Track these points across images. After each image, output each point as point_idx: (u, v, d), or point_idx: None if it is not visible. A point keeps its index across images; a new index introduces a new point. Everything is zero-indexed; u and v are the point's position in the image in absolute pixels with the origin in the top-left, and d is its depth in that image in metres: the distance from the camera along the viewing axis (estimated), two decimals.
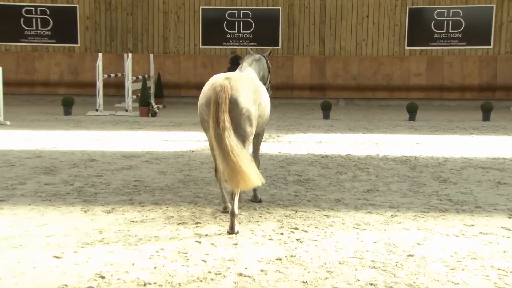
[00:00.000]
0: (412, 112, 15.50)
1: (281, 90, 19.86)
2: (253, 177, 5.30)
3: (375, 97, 20.36)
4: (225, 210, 6.23)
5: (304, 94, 20.42)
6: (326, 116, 15.75)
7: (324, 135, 12.64)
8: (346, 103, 20.35)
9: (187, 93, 20.62)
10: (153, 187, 7.47)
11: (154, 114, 15.90)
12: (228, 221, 5.75)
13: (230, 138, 5.33)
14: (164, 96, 19.51)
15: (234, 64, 6.77)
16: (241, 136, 5.63)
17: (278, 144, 11.21)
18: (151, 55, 19.39)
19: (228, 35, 20.69)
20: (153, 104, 16.14)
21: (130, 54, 16.92)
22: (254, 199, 6.78)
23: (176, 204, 6.57)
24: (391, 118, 16.11)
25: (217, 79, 5.80)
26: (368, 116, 16.68)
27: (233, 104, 5.60)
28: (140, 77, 17.57)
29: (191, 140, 11.66)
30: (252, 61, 6.90)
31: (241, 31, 20.63)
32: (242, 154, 5.32)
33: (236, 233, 5.51)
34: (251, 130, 5.81)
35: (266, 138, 11.71)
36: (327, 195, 7.12)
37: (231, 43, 20.71)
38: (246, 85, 5.84)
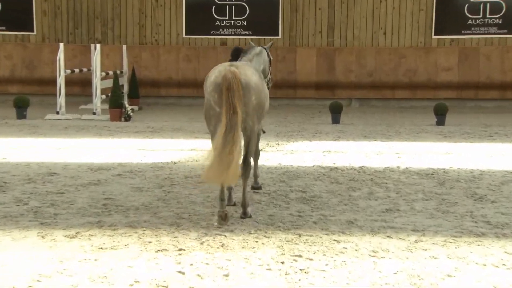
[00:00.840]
0: (440, 115, 15.53)
1: (281, 89, 19.89)
2: (233, 177, 6.46)
3: (395, 97, 20.40)
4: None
5: (309, 94, 20.45)
6: (335, 120, 15.78)
7: (334, 143, 12.65)
8: (360, 104, 20.39)
9: (168, 92, 20.64)
10: (126, 206, 7.46)
11: (127, 118, 15.89)
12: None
13: (240, 130, 6.52)
14: (140, 96, 19.50)
15: (236, 57, 7.71)
16: (249, 127, 6.86)
17: (278, 154, 11.21)
18: (124, 46, 19.40)
19: (217, 22, 20.73)
20: (127, 105, 16.14)
21: (98, 45, 16.93)
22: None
23: (154, 227, 6.56)
24: (415, 122, 16.14)
25: (223, 67, 6.87)
26: (387, 120, 16.70)
27: (244, 91, 6.67)
28: (111, 73, 17.58)
29: (172, 149, 11.66)
30: (253, 56, 7.90)
31: (233, 18, 20.68)
32: (239, 151, 6.47)
33: (250, 217, 6.88)
34: (258, 120, 7.03)
35: (263, 147, 11.72)
36: (337, 215, 7.12)
37: (221, 32, 20.75)
38: (254, 73, 7.02)
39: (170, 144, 12.35)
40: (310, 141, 12.90)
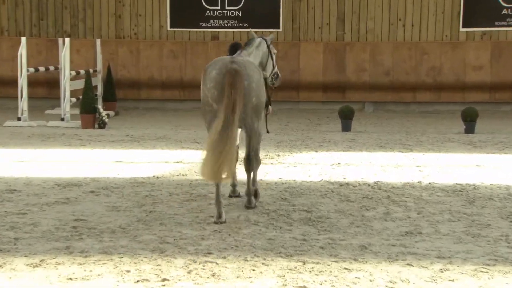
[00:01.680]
0: (470, 121, 15.54)
1: (282, 91, 19.81)
2: (225, 175, 7.45)
3: (417, 100, 20.42)
4: (218, 220, 7.71)
5: (315, 96, 20.47)
6: (346, 127, 15.79)
7: (344, 154, 12.65)
8: (375, 109, 20.40)
9: (150, 95, 20.64)
10: (100, 229, 7.44)
11: (102, 125, 15.89)
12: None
13: (236, 130, 7.54)
14: (116, 99, 19.50)
15: (233, 53, 8.66)
16: (248, 125, 8.02)
17: (278, 167, 11.21)
18: (98, 41, 19.40)
19: (207, 13, 20.76)
20: (101, 110, 16.14)
21: (67, 39, 16.93)
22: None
23: (133, 253, 6.54)
24: (440, 130, 16.15)
25: (224, 63, 7.91)
26: (407, 127, 16.71)
27: (245, 91, 7.74)
28: (82, 72, 17.58)
29: (155, 162, 11.65)
30: (253, 50, 8.93)
31: (226, 7, 20.72)
32: (234, 149, 7.56)
33: (254, 207, 8.25)
34: (258, 119, 8.14)
35: (262, 158, 11.72)
36: (348, 239, 7.11)
37: (212, 24, 20.77)
38: (255, 71, 8.13)
39: (152, 155, 12.34)
40: (316, 151, 12.90)
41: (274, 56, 9.45)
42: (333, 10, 20.61)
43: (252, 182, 8.48)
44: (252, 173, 8.44)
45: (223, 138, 7.37)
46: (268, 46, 9.17)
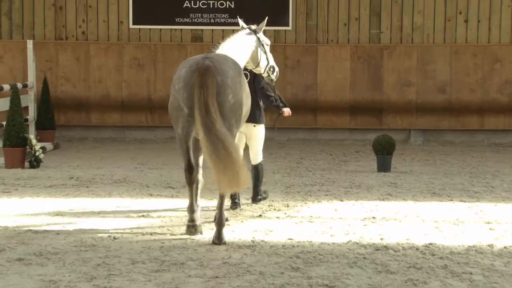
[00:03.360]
0: None
1: (294, 114, 19.75)
2: (244, 175, 9.20)
3: (485, 127, 20.42)
4: (191, 223, 10.02)
5: (340, 122, 20.48)
6: (384, 166, 15.79)
7: (381, 204, 12.65)
8: (425, 140, 20.41)
9: (104, 120, 20.61)
10: None
11: (35, 163, 15.88)
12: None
13: (222, 126, 9.10)
14: (55, 127, 19.49)
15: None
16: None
17: (287, 223, 11.20)
18: (30, 43, 19.43)
19: (186, 4, 20.81)
20: (34, 142, 16.13)
21: None
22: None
23: None
24: None
25: (196, 60, 9.60)
26: (472, 166, 16.72)
27: (219, 89, 9.36)
28: (7, 87, 17.61)
29: (111, 215, 11.64)
30: (229, 49, 10.54)
31: None
32: (235, 146, 9.32)
33: (224, 244, 9.53)
34: (236, 124, 9.84)
35: (265, 210, 11.72)
36: None
37: (193, 20, 20.81)
38: (232, 67, 9.79)
39: (106, 206, 12.33)
40: (342, 200, 12.90)
41: (267, 48, 10.90)
42: (365, 0, 20.66)
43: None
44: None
45: (216, 144, 9.06)
46: (256, 35, 10.73)
